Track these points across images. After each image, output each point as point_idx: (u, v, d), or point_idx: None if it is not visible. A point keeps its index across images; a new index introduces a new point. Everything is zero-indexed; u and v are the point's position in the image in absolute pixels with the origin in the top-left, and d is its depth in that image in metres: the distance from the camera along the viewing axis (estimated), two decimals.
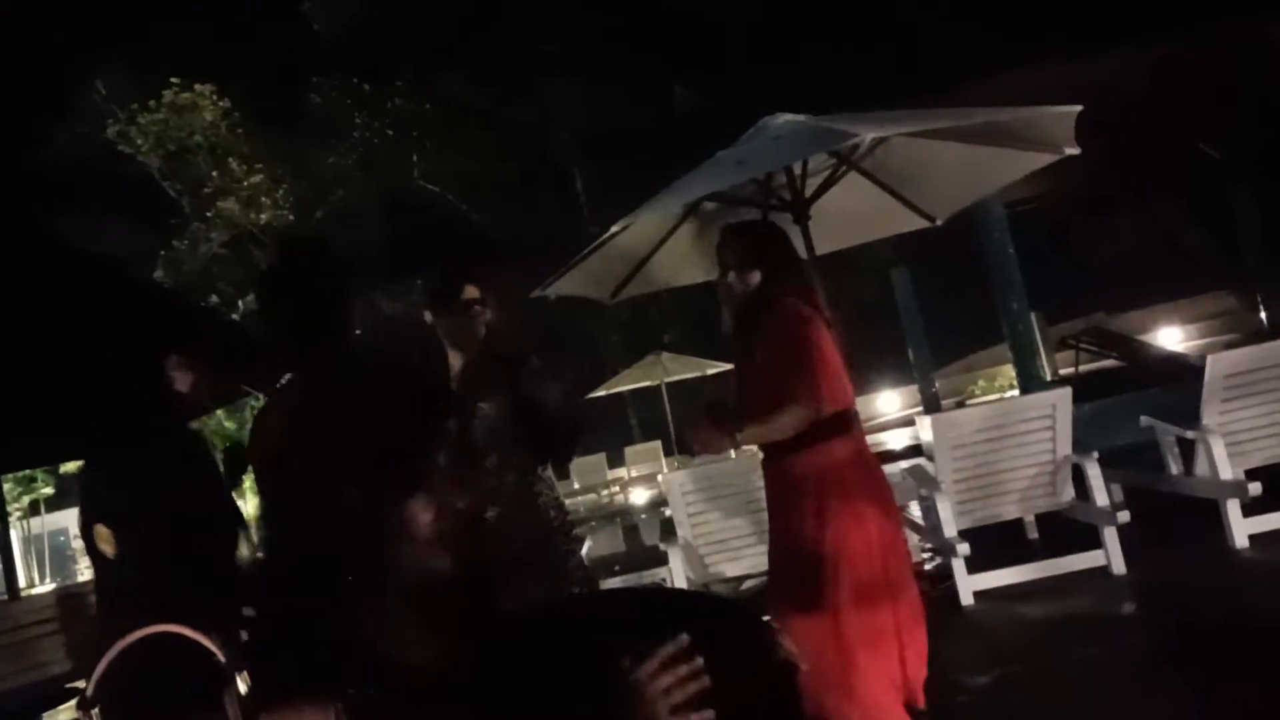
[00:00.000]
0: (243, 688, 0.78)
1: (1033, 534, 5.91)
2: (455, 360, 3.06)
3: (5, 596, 9.52)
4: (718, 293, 3.14)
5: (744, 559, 5.34)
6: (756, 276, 3.01)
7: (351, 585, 1.02)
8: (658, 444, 17.75)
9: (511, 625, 1.20)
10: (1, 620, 6.71)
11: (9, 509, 10.04)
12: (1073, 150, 4.65)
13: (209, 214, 19.97)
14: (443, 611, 1.03)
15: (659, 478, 12.45)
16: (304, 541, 1.05)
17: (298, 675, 0.81)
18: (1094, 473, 4.98)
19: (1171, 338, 15.96)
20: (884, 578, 2.82)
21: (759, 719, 1.30)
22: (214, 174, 19.95)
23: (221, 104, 19.61)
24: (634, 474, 16.98)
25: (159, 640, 0.81)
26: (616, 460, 17.46)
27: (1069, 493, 5.23)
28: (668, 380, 17.20)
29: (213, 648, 0.80)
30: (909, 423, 8.79)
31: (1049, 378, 9.46)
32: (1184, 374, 8.06)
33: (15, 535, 10.37)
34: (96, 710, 0.78)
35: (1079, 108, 4.43)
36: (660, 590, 4.24)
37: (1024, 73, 9.45)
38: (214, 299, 18.65)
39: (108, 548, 2.85)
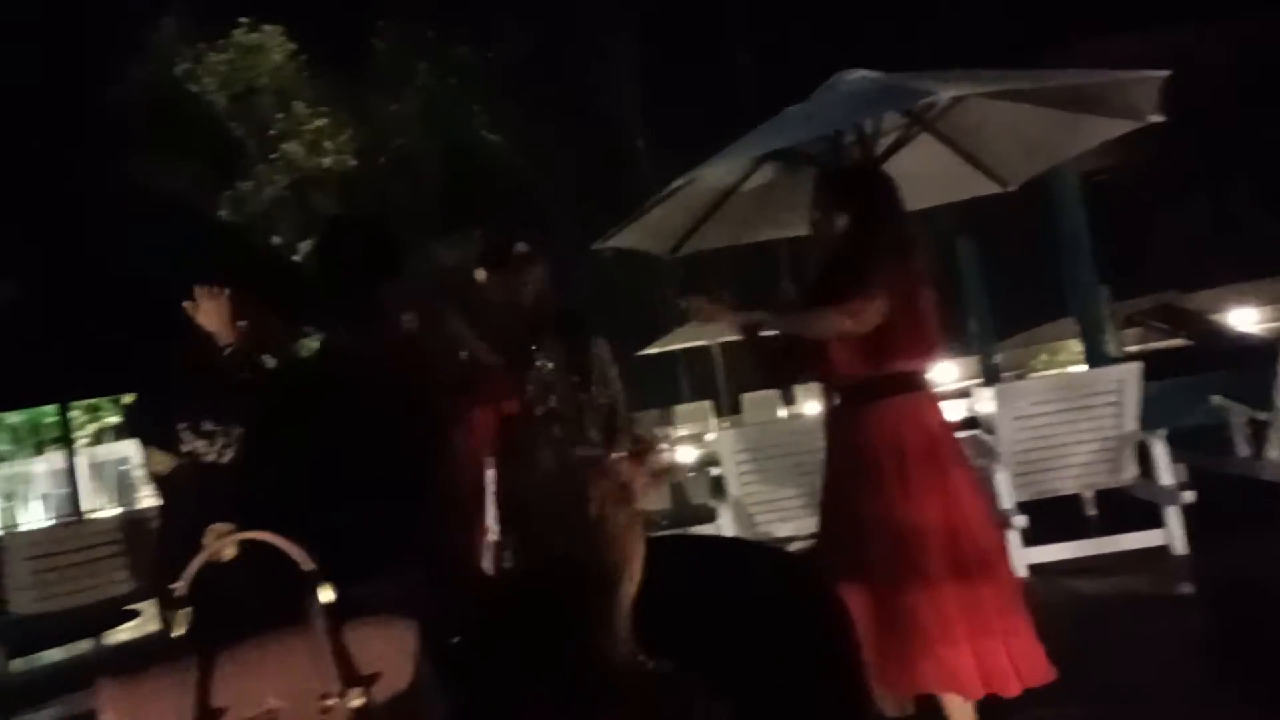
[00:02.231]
0: (328, 598, 0.77)
1: (1091, 510, 5.79)
2: (507, 317, 3.08)
3: (71, 519, 9.87)
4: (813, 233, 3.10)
5: (793, 520, 5.31)
6: (849, 221, 2.94)
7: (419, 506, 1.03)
8: (707, 404, 17.72)
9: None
10: (66, 542, 6.94)
11: (75, 436, 10.37)
12: (1156, 118, 4.46)
13: (272, 156, 20.19)
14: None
15: (706, 437, 12.41)
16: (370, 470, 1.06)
17: (383, 589, 0.81)
18: (1160, 450, 4.86)
19: (1245, 319, 15.44)
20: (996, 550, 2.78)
21: (817, 666, 1.28)
22: (279, 116, 20.14)
23: (289, 46, 19.73)
24: (682, 432, 16.98)
25: (247, 547, 0.82)
26: (665, 417, 17.46)
27: (1132, 470, 5.12)
28: (721, 340, 17.11)
29: (300, 557, 0.80)
30: (964, 394, 8.64)
31: (1115, 354, 9.22)
32: (1257, 356, 7.81)
33: (81, 462, 10.71)
34: (186, 610, 0.79)
35: (1166, 73, 4.26)
36: (723, 539, 4.26)
37: (1103, 42, 9.14)
38: (275, 240, 18.91)
39: (159, 468, 2.98)
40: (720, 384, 17.64)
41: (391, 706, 0.75)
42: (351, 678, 0.75)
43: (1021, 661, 2.69)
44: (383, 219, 2.95)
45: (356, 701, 0.74)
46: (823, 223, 3.03)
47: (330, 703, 0.74)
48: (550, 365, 3.07)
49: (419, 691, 0.76)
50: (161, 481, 3.06)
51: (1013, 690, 2.67)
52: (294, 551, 0.80)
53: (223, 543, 0.81)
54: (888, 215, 3.02)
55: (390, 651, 0.76)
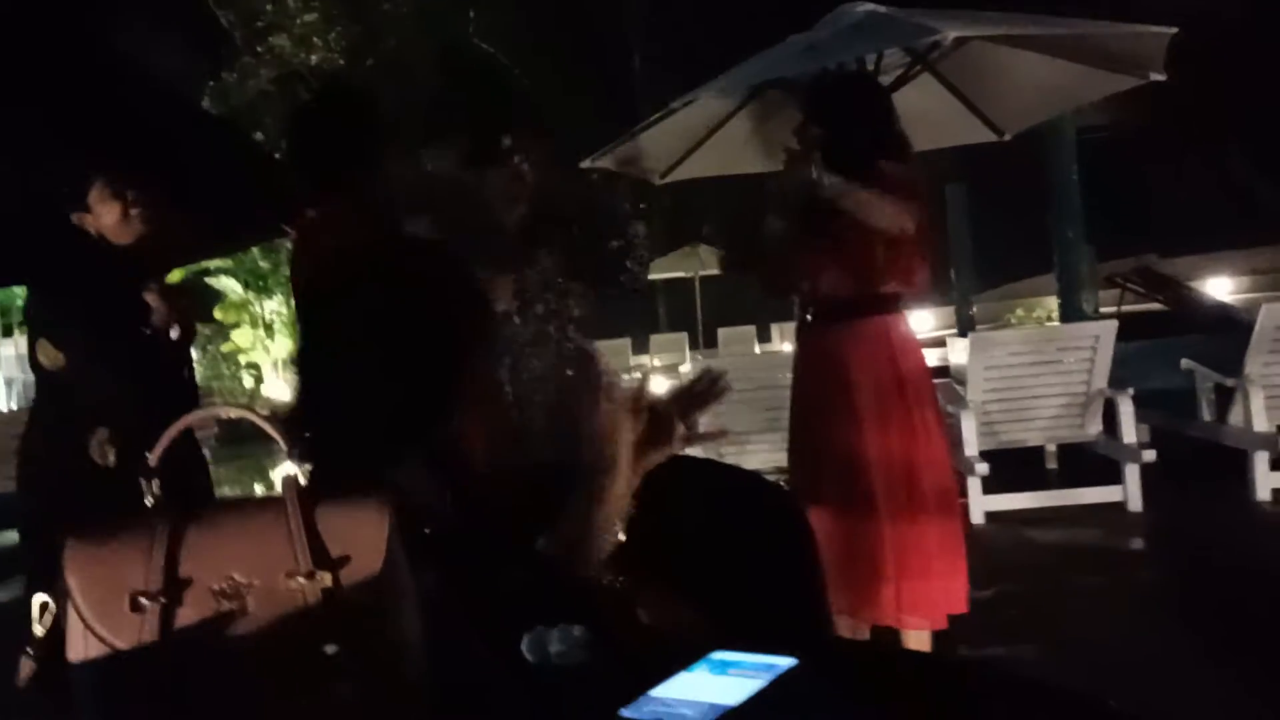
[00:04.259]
0: (301, 478, 0.77)
1: (1052, 464, 5.91)
2: (502, 215, 3.02)
3: None
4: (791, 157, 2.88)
5: (760, 453, 5.37)
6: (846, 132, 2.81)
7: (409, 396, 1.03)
8: (683, 336, 17.73)
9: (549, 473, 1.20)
10: None
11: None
12: (1159, 76, 4.44)
13: (260, 49, 19.64)
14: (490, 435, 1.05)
15: (681, 369, 12.41)
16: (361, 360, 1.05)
17: (356, 475, 0.80)
18: (1126, 409, 4.93)
19: (1221, 288, 15.61)
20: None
21: (783, 585, 1.30)
22: (268, 7, 19.55)
23: None
24: (657, 363, 17.01)
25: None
26: (641, 347, 17.47)
27: (1096, 426, 5.20)
28: (702, 274, 17.07)
29: (277, 436, 0.79)
30: (939, 344, 8.69)
31: (1092, 313, 9.30)
32: (1228, 325, 7.91)
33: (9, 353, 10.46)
34: (156, 481, 0.78)
35: (1173, 30, 4.22)
36: (693, 457, 4.26)
37: None
38: (259, 135, 18.49)
39: (46, 361, 2.87)
40: (698, 317, 17.63)
41: (360, 589, 0.75)
42: (321, 559, 0.75)
43: (951, 599, 2.75)
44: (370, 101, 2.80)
45: (324, 582, 0.74)
46: (808, 133, 2.85)
47: (298, 581, 0.74)
48: (547, 264, 3.01)
49: (389, 577, 0.76)
50: (44, 374, 2.92)
51: (942, 623, 2.74)
52: (272, 430, 0.79)
53: (206, 414, 0.80)
54: (889, 121, 2.94)
55: (362, 536, 0.76)
